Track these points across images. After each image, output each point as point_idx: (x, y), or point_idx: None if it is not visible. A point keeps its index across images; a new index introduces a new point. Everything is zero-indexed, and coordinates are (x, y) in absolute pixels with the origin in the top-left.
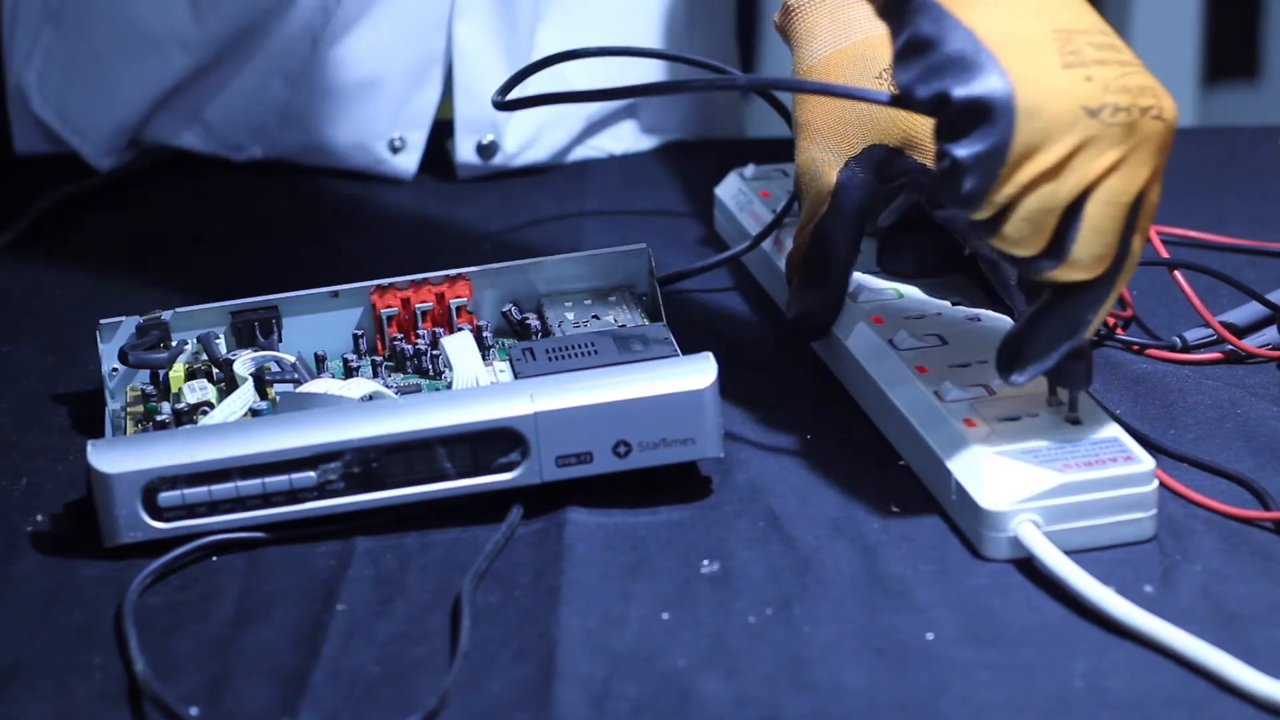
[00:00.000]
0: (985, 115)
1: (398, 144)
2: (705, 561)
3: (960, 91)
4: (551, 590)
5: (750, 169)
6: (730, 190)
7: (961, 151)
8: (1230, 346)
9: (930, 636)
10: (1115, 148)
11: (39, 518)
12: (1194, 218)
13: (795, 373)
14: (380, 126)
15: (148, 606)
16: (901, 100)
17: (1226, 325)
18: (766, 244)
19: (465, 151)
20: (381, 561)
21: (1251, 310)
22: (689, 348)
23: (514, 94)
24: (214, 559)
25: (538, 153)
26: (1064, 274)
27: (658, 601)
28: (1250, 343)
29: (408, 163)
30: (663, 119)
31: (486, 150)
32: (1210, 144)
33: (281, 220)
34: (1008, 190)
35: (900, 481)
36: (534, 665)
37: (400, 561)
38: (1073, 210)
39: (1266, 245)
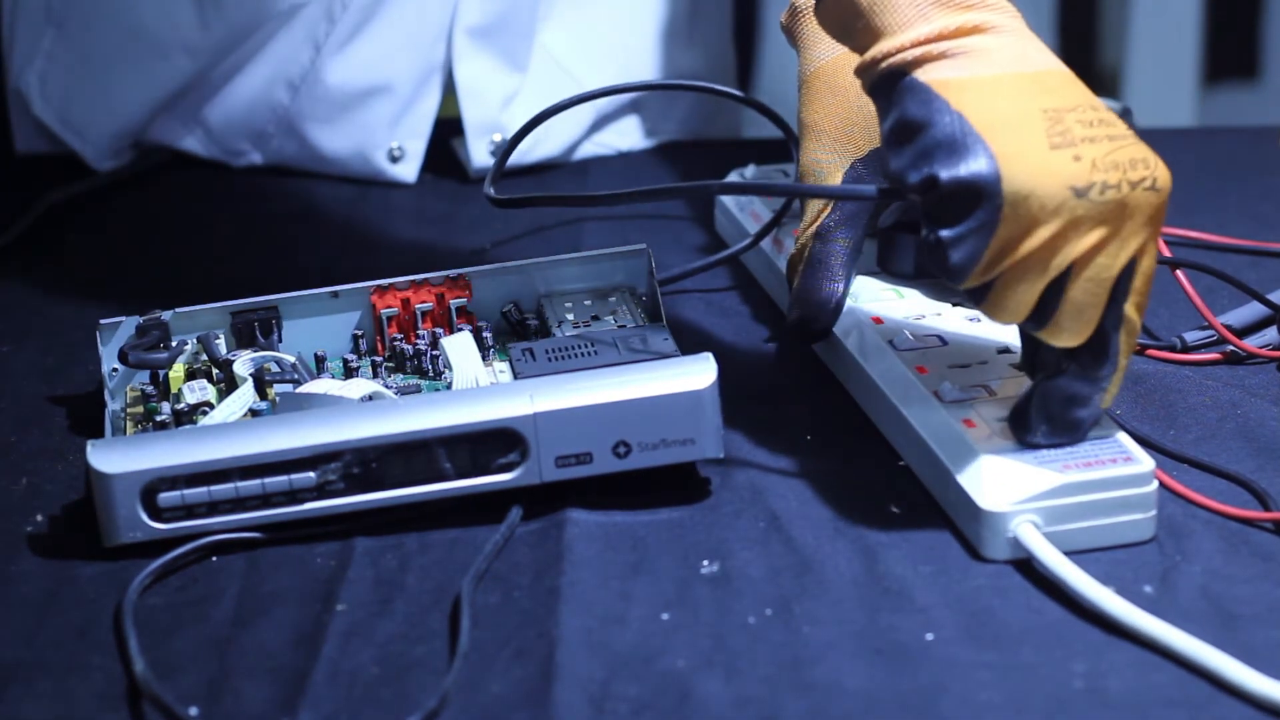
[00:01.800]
0: (973, 197)
1: (396, 153)
2: (705, 562)
3: (947, 174)
4: (551, 590)
5: (751, 170)
6: None
7: (947, 232)
8: (1231, 347)
9: (930, 637)
10: (1101, 226)
11: (39, 518)
12: (1194, 218)
13: (795, 373)
14: (379, 136)
15: (147, 606)
16: (892, 193)
17: (1227, 325)
18: (766, 244)
19: (479, 155)
20: (381, 562)
21: (1252, 310)
22: (689, 348)
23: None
24: (214, 559)
25: (548, 149)
26: (1048, 337)
27: (658, 602)
28: (1250, 343)
29: (406, 172)
30: (663, 120)
31: (498, 150)
32: (1210, 144)
33: (281, 220)
34: (991, 272)
35: (900, 482)
36: (534, 666)
37: (400, 562)
38: (1055, 287)
39: (1267, 245)
